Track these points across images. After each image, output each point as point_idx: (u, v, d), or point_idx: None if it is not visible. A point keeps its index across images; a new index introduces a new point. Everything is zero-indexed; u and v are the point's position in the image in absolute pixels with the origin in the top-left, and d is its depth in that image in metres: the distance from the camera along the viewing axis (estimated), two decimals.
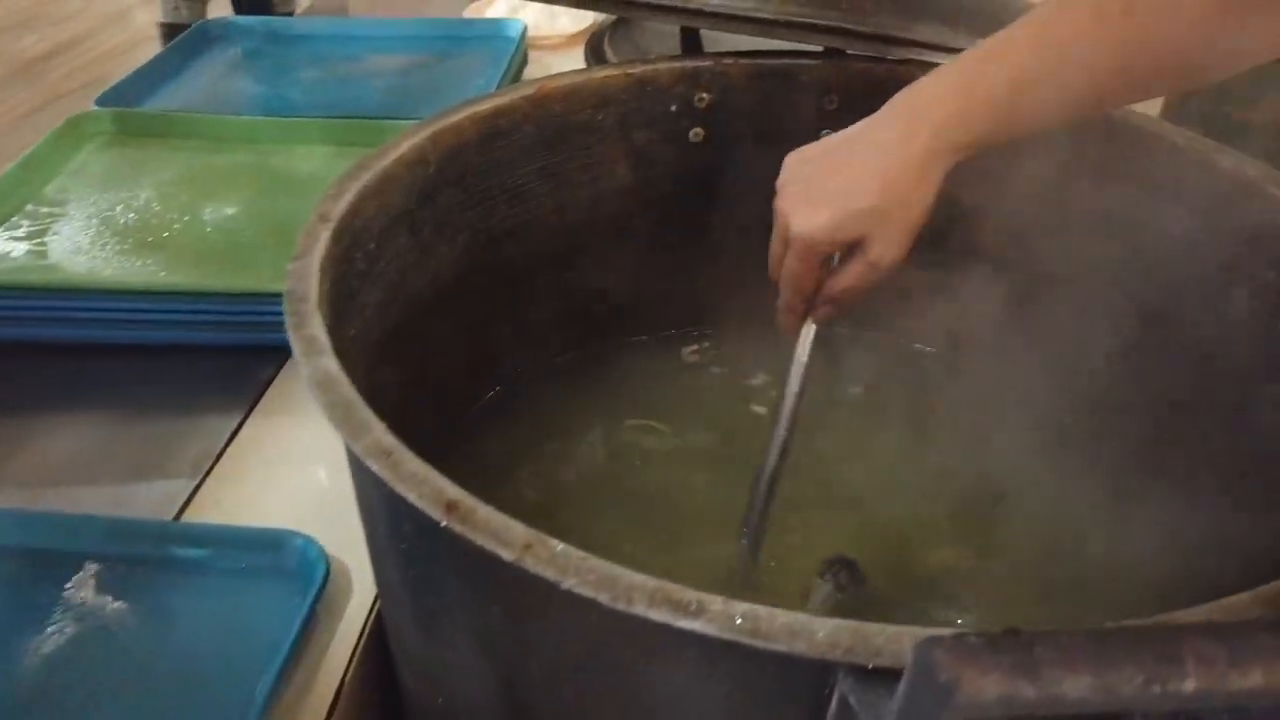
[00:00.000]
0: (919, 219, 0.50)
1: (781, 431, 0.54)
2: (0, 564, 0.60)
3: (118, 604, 0.58)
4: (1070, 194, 0.63)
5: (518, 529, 0.32)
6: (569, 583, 0.30)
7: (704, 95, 0.69)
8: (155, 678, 0.54)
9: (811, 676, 0.29)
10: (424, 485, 0.33)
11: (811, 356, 0.55)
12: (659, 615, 0.29)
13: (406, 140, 0.56)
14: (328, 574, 0.58)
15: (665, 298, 0.75)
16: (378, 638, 0.58)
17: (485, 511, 0.32)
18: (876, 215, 0.49)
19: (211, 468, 0.68)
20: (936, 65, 0.67)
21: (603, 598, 0.29)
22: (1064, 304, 0.65)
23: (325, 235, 0.47)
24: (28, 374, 0.77)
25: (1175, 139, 0.61)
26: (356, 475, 0.41)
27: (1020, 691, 0.23)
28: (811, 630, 0.28)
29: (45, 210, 0.88)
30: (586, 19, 1.40)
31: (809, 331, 0.55)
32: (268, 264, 0.82)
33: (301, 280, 0.44)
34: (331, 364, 0.39)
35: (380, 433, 0.35)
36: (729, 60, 0.68)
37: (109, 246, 0.84)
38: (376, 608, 0.58)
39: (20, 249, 0.83)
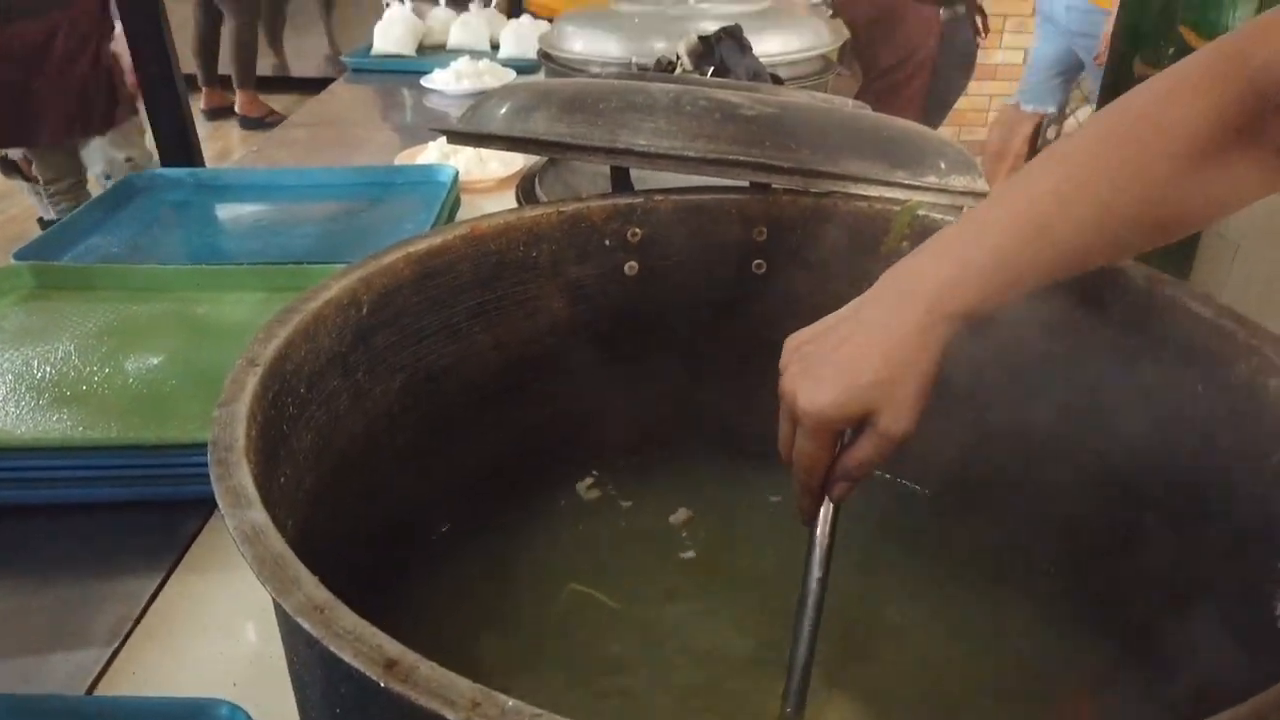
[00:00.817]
0: (924, 387, 0.50)
1: (807, 622, 0.52)
2: None
3: None
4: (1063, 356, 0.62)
5: (463, 685, 0.29)
6: None
7: (636, 230, 0.70)
8: None
9: None
10: (361, 643, 0.31)
11: (827, 547, 0.53)
12: None
13: (337, 282, 0.56)
14: None
15: (605, 429, 0.74)
16: None
17: (427, 668, 0.30)
18: (882, 387, 0.49)
19: (130, 633, 0.64)
20: (862, 196, 0.70)
21: None
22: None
23: (253, 380, 0.46)
24: None
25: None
26: (287, 636, 0.39)
27: None
28: None
29: None
30: (517, 163, 1.44)
31: (827, 512, 0.53)
32: (194, 414, 0.80)
33: (227, 428, 0.42)
34: (259, 516, 0.37)
35: (312, 587, 0.33)
36: (659, 197, 0.70)
37: (24, 403, 0.81)
38: None
39: None
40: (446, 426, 0.67)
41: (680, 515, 0.73)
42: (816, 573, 0.52)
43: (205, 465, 0.66)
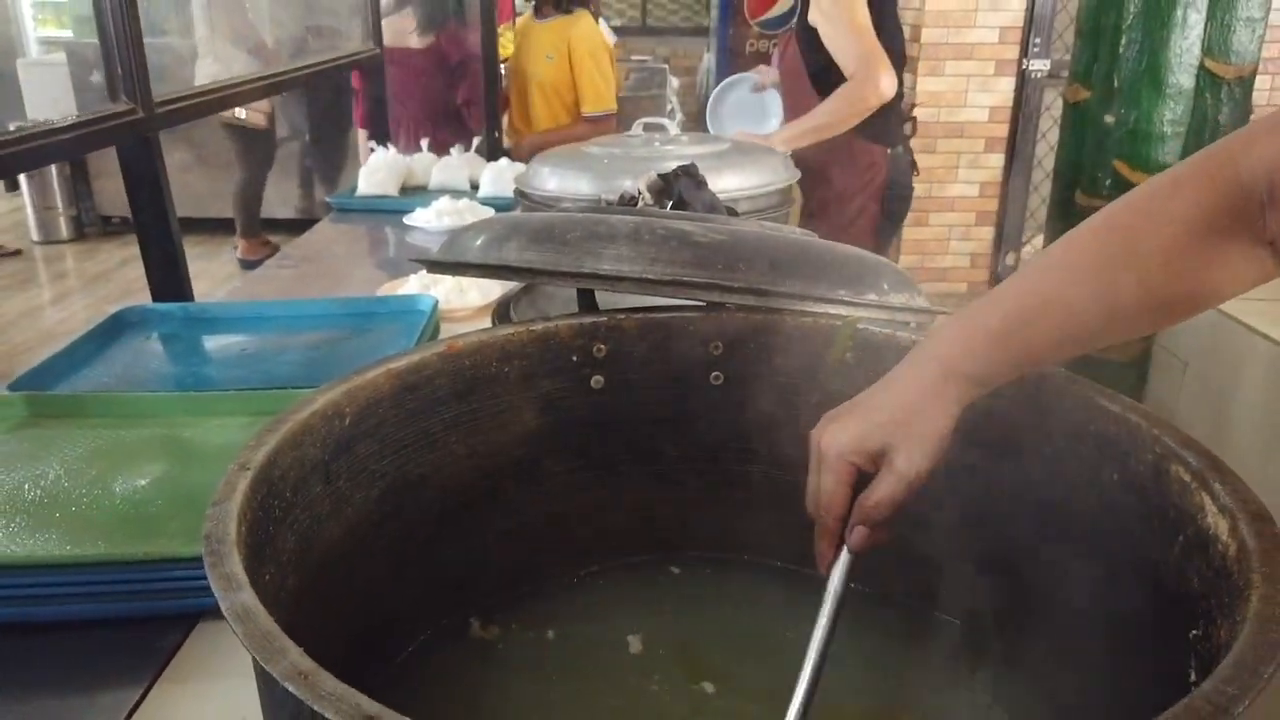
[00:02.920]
0: (939, 433, 0.56)
1: (810, 668, 0.54)
2: None
3: None
4: None
5: None
6: None
7: (601, 346, 0.75)
8: None
9: None
10: (342, 702, 0.34)
11: (840, 594, 0.57)
12: None
13: (323, 395, 0.60)
14: None
15: (577, 535, 0.78)
16: None
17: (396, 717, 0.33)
18: (896, 425, 0.56)
19: None
20: (807, 312, 0.76)
21: None
22: None
23: (244, 484, 0.50)
24: None
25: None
26: (272, 709, 0.42)
27: None
28: None
29: None
30: (494, 292, 1.52)
31: (844, 560, 0.57)
32: (177, 532, 0.83)
33: (219, 523, 0.46)
34: (249, 598, 0.40)
35: (296, 656, 0.37)
36: (622, 315, 0.76)
37: (14, 524, 0.83)
38: None
39: None
40: (423, 534, 0.70)
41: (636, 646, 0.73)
42: (826, 622, 0.56)
43: (186, 580, 0.69)
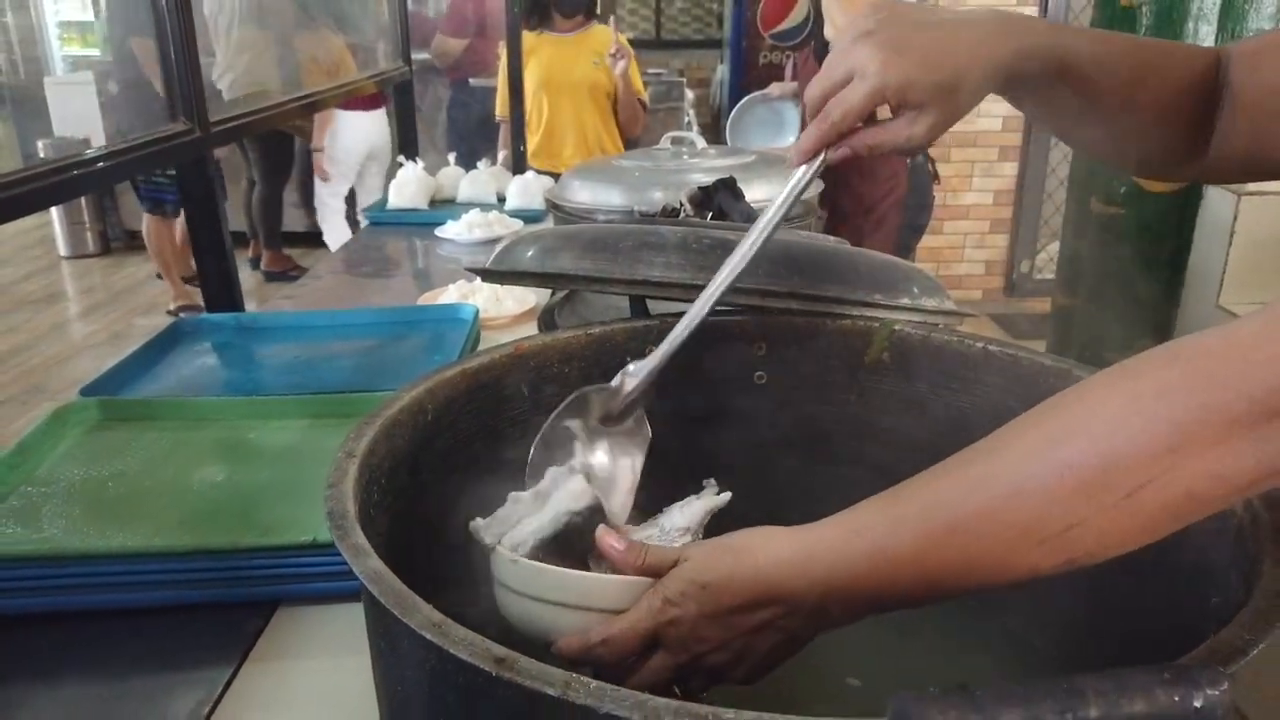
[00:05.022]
0: (953, 119, 0.62)
1: (759, 231, 0.65)
2: None
3: None
4: None
5: (556, 672, 0.38)
6: (607, 707, 0.36)
7: (653, 348, 0.80)
8: None
9: None
10: (474, 646, 0.40)
11: (800, 190, 0.65)
12: None
13: (408, 393, 0.66)
14: None
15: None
16: None
17: (527, 662, 0.39)
18: (944, 89, 0.60)
19: (211, 711, 0.71)
20: (846, 315, 0.82)
21: (635, 716, 0.36)
22: None
23: (352, 468, 0.55)
24: (20, 644, 0.79)
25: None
26: (394, 659, 0.47)
27: None
28: None
29: (38, 490, 0.94)
30: (529, 301, 1.57)
31: (817, 162, 0.65)
32: (252, 525, 0.88)
33: (339, 502, 0.51)
34: (378, 563, 0.46)
35: (429, 611, 0.42)
36: (672, 320, 0.81)
37: (101, 518, 0.89)
38: None
39: (15, 525, 0.88)
40: None
41: None
42: (786, 199, 0.65)
43: (267, 568, 0.75)
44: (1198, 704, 0.32)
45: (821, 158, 0.64)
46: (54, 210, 5.22)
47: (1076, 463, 0.42)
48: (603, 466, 0.74)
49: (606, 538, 0.57)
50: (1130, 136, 0.67)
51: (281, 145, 4.61)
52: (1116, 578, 0.63)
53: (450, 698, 0.43)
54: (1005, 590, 0.45)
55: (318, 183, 4.49)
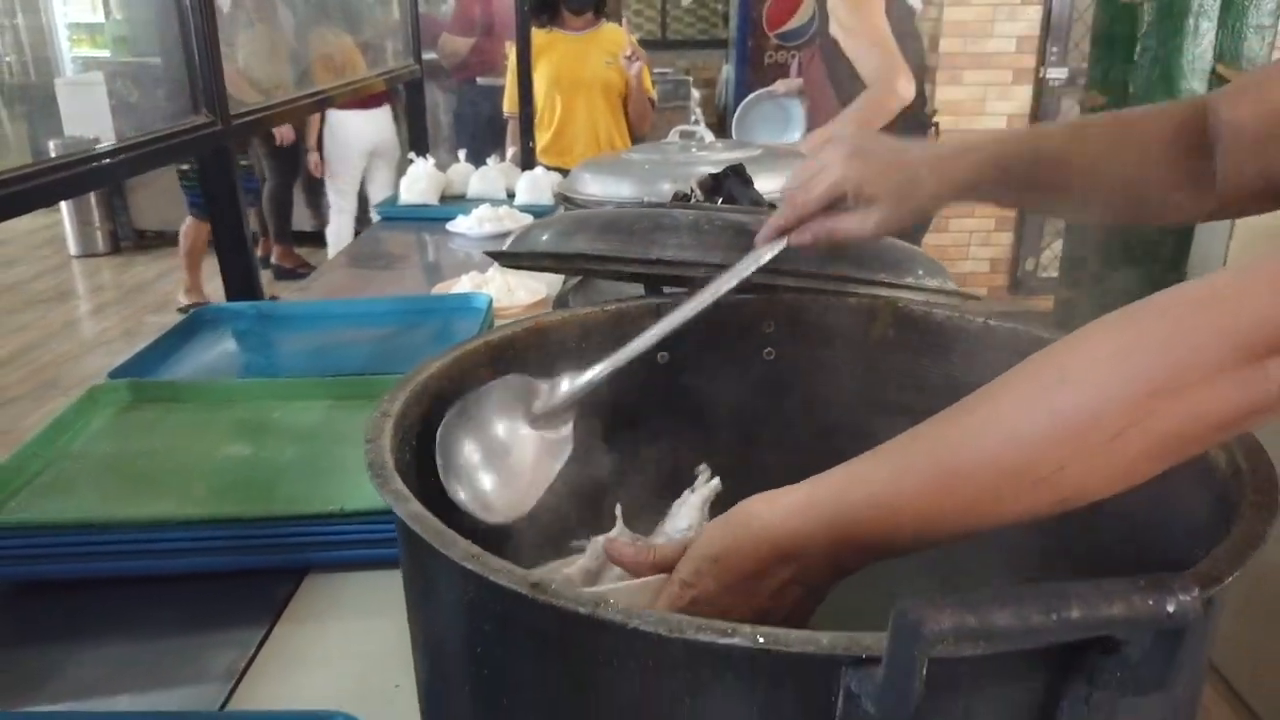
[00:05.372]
0: (918, 213, 0.70)
1: (707, 294, 0.72)
2: None
3: None
4: None
5: (586, 593, 0.42)
6: (634, 623, 0.40)
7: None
8: None
9: (820, 677, 0.39)
10: (512, 573, 0.43)
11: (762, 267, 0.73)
12: (706, 637, 0.39)
13: (436, 361, 0.69)
14: None
15: (638, 493, 0.86)
16: None
17: (559, 585, 0.42)
18: (895, 191, 0.68)
19: (244, 671, 0.75)
20: (852, 294, 0.85)
21: (661, 630, 0.39)
22: None
23: (388, 426, 0.59)
24: (68, 607, 0.83)
25: None
26: (430, 607, 0.50)
27: (965, 622, 0.34)
28: (818, 639, 0.39)
29: (72, 465, 0.98)
30: (541, 292, 1.61)
31: (778, 245, 0.73)
32: (281, 497, 0.92)
33: (378, 454, 0.55)
34: (417, 506, 0.49)
35: (467, 544, 0.46)
36: (684, 298, 0.85)
37: (137, 491, 0.93)
38: None
39: (53, 496, 0.91)
40: None
41: None
42: (741, 271, 0.72)
43: (296, 536, 0.79)
44: (1170, 609, 0.35)
45: (784, 240, 0.73)
46: (64, 209, 5.28)
47: (1066, 408, 0.46)
48: (521, 459, 0.75)
49: (616, 544, 0.60)
50: (1124, 206, 0.72)
51: (291, 143, 4.68)
52: (1106, 534, 0.67)
53: (487, 627, 0.47)
54: (1006, 531, 0.48)
55: (326, 182, 4.56)
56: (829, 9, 2.18)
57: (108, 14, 5.51)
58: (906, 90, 2.07)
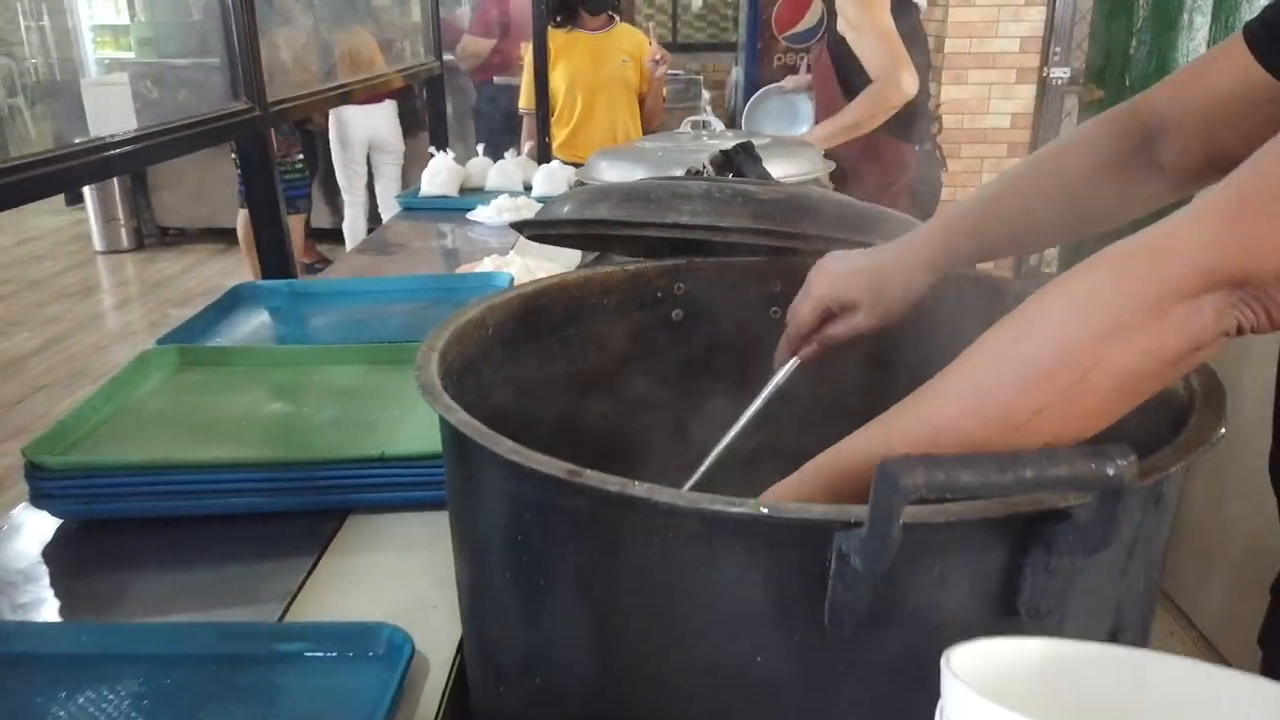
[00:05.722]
0: (897, 304, 0.77)
1: (742, 423, 0.78)
2: (132, 667, 0.72)
3: (238, 688, 0.70)
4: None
5: (616, 478, 0.49)
6: (657, 497, 0.47)
7: (681, 285, 0.91)
8: None
9: (816, 540, 0.46)
10: (550, 463, 0.50)
11: (781, 386, 0.80)
12: (719, 507, 0.46)
13: (474, 308, 0.77)
14: (413, 653, 0.71)
15: (653, 440, 0.93)
16: (457, 691, 0.70)
17: (592, 472, 0.49)
18: (868, 289, 0.76)
19: (296, 593, 0.82)
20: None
21: (680, 503, 0.47)
22: None
23: (434, 357, 0.66)
24: (139, 542, 0.90)
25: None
26: (474, 505, 0.58)
27: (935, 477, 0.41)
28: (813, 508, 0.46)
29: (128, 419, 1.05)
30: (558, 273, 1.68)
31: (792, 364, 0.81)
32: (324, 445, 0.99)
33: (428, 378, 0.62)
34: (465, 415, 0.56)
35: (510, 442, 0.53)
36: (699, 260, 0.92)
37: (194, 439, 1.01)
38: (454, 668, 0.71)
39: (115, 443, 0.99)
40: (538, 434, 0.86)
41: None
42: (760, 402, 0.79)
43: (340, 478, 0.86)
44: (1110, 472, 0.42)
45: (796, 360, 0.82)
46: (89, 207, 5.39)
47: (1035, 355, 0.52)
48: None
49: None
50: (1089, 220, 0.77)
51: (308, 139, 4.78)
52: None
53: (527, 515, 0.54)
54: None
55: (339, 177, 4.69)
56: (837, 7, 2.25)
57: (132, 16, 5.63)
58: (910, 86, 2.14)
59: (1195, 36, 2.11)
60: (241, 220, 4.50)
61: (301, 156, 4.56)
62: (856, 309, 0.77)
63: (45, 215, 5.91)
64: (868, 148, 2.22)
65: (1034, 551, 0.47)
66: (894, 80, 2.12)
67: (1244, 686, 0.42)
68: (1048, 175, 0.75)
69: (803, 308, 0.79)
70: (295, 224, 4.42)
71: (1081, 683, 0.43)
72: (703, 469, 0.79)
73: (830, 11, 2.34)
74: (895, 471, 0.41)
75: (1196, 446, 0.53)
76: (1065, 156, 0.75)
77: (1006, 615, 0.48)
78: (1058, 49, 3.97)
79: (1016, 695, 0.40)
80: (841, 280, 0.77)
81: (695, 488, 0.76)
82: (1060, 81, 4.01)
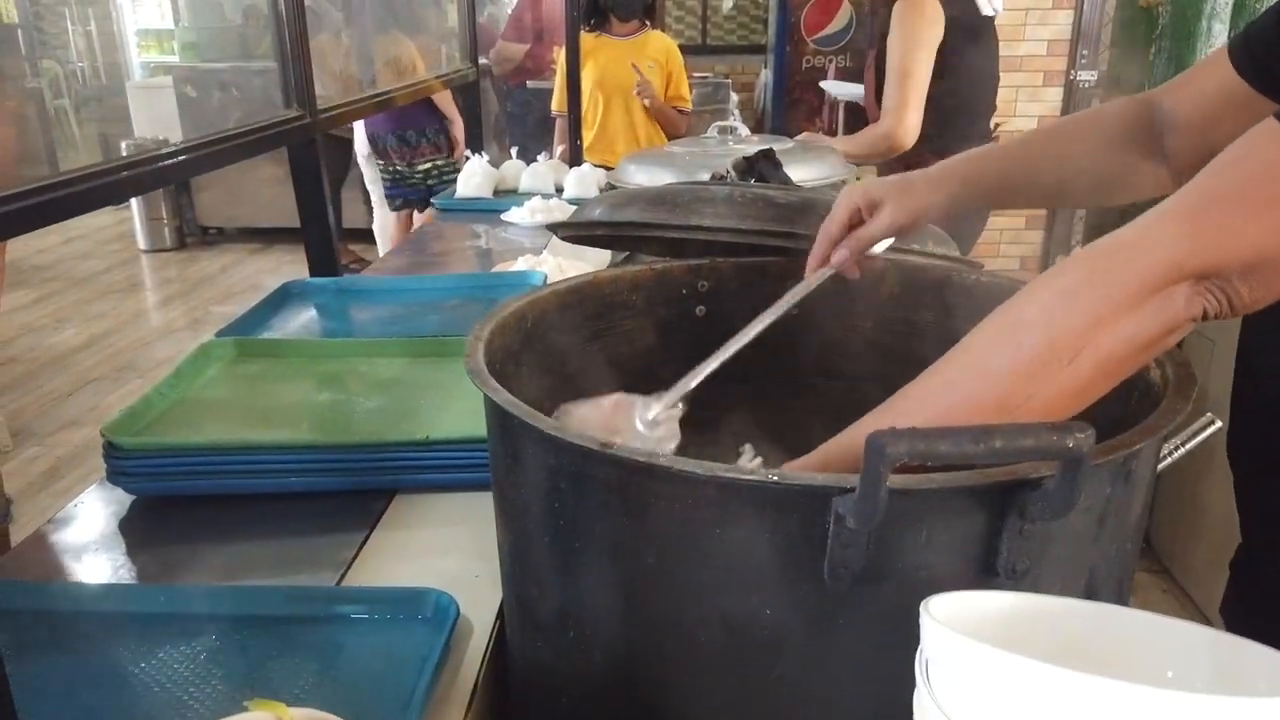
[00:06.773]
0: (919, 205, 0.85)
1: (759, 324, 0.84)
2: (205, 625, 0.80)
3: (301, 645, 0.77)
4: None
5: (643, 450, 0.56)
6: (679, 466, 0.54)
7: (705, 283, 0.98)
8: (333, 698, 0.73)
9: (817, 504, 0.52)
10: (585, 436, 0.57)
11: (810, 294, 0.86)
12: (734, 475, 0.53)
13: (515, 303, 0.84)
14: (458, 615, 0.79)
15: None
16: (498, 650, 0.78)
17: (621, 445, 0.56)
18: (894, 189, 0.86)
19: (350, 564, 0.90)
20: (865, 257, 0.98)
21: (700, 471, 0.53)
22: None
23: (481, 346, 0.74)
24: (207, 517, 0.99)
25: None
26: (516, 478, 0.65)
27: (916, 447, 0.48)
28: (814, 476, 0.53)
29: (191, 405, 1.14)
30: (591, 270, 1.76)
31: (823, 271, 0.87)
32: (372, 431, 1.07)
33: (477, 364, 0.69)
34: (510, 396, 0.64)
35: (550, 419, 0.60)
36: (721, 260, 0.99)
37: (248, 423, 1.09)
38: (494, 631, 0.78)
39: (182, 426, 1.08)
40: None
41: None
42: (786, 301, 0.85)
43: (386, 461, 0.94)
44: (1070, 444, 0.48)
45: (829, 266, 0.88)
46: (134, 207, 5.55)
47: (1027, 344, 0.59)
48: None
49: None
50: (1090, 190, 0.88)
51: (338, 146, 4.88)
52: None
53: (564, 485, 0.61)
54: None
55: (366, 180, 4.78)
56: (893, 20, 2.24)
57: (177, 20, 5.80)
58: (907, 137, 2.16)
59: (1214, 43, 2.14)
60: (378, 220, 4.60)
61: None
62: (883, 205, 0.84)
63: (90, 215, 6.08)
64: (906, 163, 2.26)
65: (1009, 516, 0.54)
66: (889, 129, 2.15)
67: (1190, 633, 0.48)
68: (1073, 138, 0.85)
69: (837, 210, 0.86)
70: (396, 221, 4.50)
71: (1047, 630, 0.49)
72: (720, 358, 0.85)
73: (884, 27, 2.34)
74: (882, 442, 0.47)
75: (1161, 428, 0.59)
76: (1091, 123, 0.85)
77: (987, 575, 0.55)
78: (1084, 52, 3.99)
79: (987, 638, 0.47)
80: (872, 185, 0.86)
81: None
82: (1087, 84, 4.03)
